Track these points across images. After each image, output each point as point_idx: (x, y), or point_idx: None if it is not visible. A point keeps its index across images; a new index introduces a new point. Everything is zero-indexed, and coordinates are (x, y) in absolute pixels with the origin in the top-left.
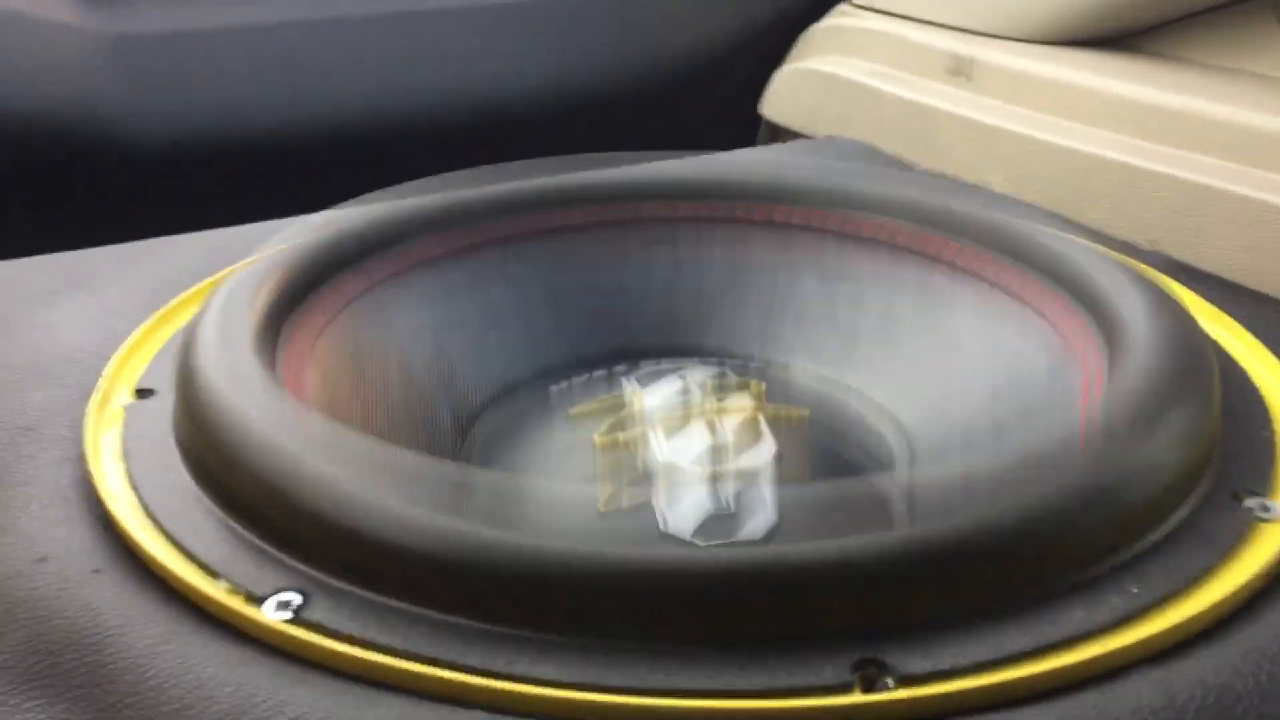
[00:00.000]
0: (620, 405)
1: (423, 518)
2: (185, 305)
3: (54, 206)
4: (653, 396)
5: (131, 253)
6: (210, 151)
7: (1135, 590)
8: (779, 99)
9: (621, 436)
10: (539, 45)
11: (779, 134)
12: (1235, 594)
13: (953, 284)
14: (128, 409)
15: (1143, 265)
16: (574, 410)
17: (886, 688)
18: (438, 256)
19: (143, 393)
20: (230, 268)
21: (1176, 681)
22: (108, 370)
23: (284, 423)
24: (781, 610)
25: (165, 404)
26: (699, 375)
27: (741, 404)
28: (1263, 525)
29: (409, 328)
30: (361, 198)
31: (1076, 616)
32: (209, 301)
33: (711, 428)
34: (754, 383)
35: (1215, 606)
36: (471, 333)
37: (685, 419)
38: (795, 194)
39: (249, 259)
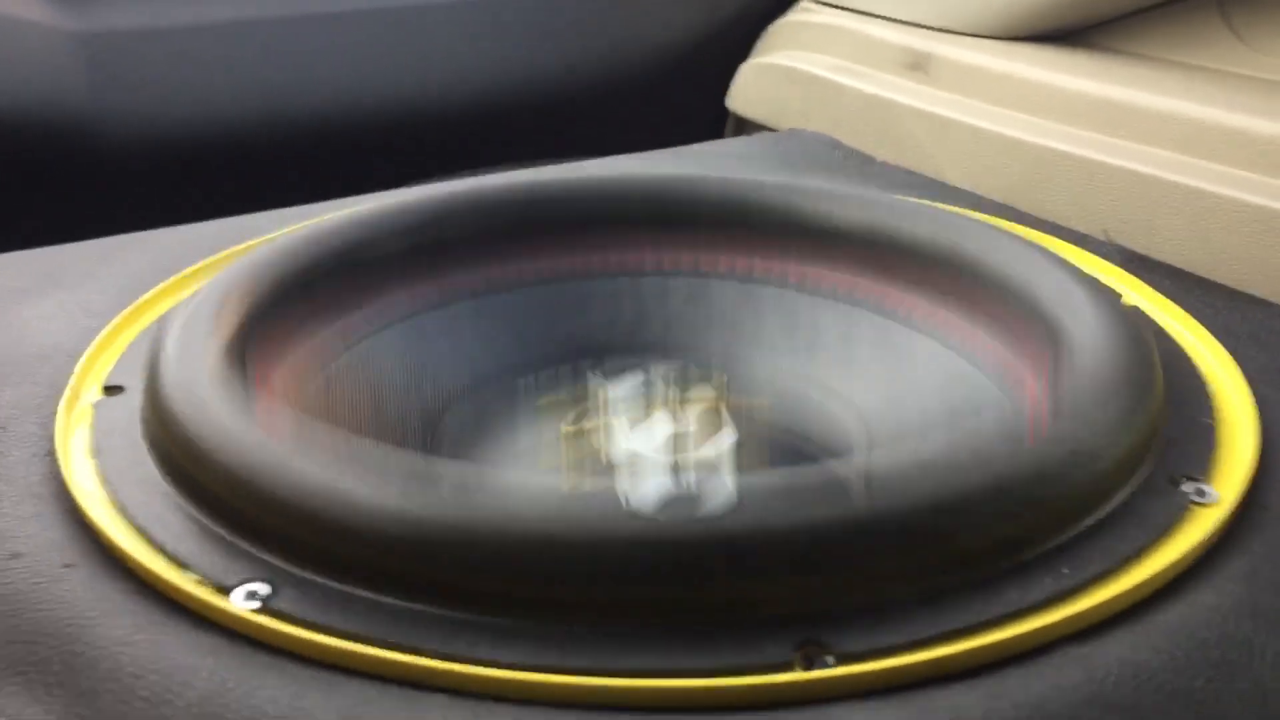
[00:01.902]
0: (585, 397)
1: (384, 509)
2: (155, 302)
3: (25, 204)
4: (617, 388)
5: (102, 249)
6: (182, 149)
7: (1067, 571)
8: (744, 93)
9: (587, 426)
10: (509, 42)
11: (745, 127)
12: (1161, 575)
13: (905, 295)
14: (97, 405)
15: (1095, 257)
16: (541, 401)
17: (826, 665)
18: (405, 262)
19: (112, 389)
20: (199, 263)
21: (1097, 659)
22: (78, 367)
23: (251, 420)
24: (727, 594)
25: (134, 400)
26: (662, 369)
27: (703, 395)
28: (1197, 509)
29: (377, 323)
30: (333, 201)
31: (1010, 597)
32: (180, 302)
33: (674, 418)
34: (716, 374)
35: (1140, 587)
36: (441, 335)
37: (648, 410)
38: (754, 225)
39: (220, 254)
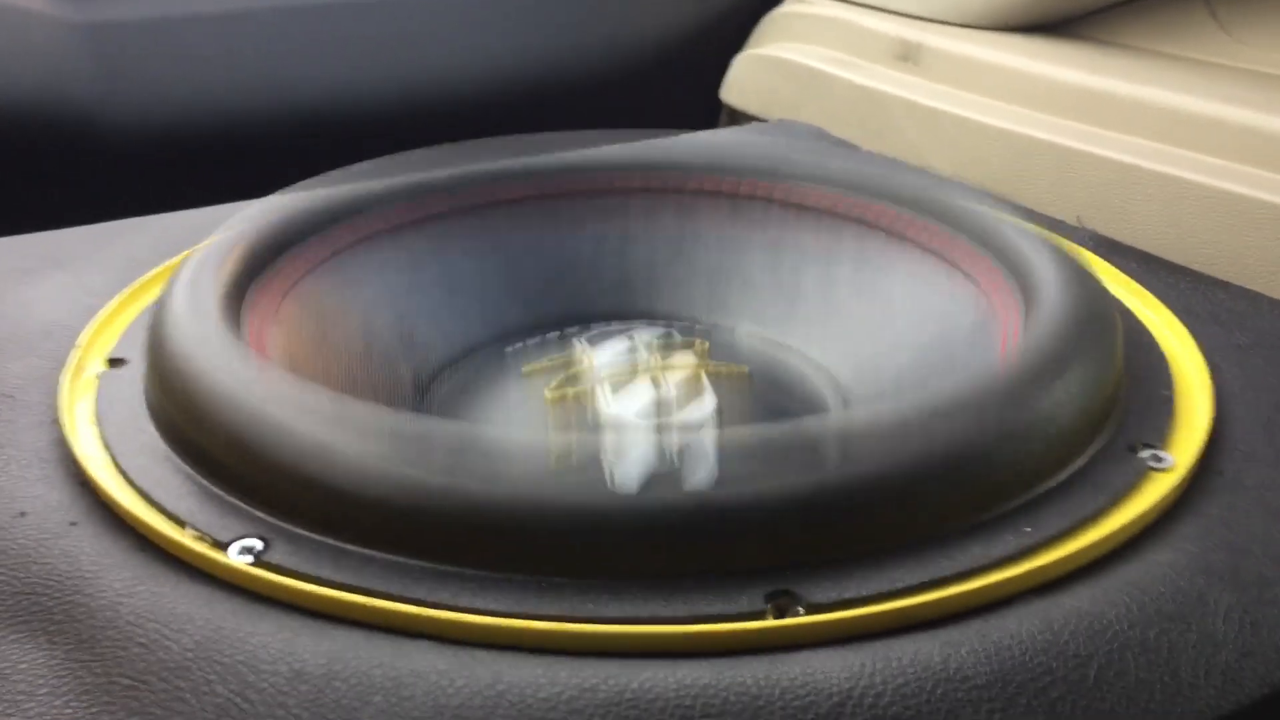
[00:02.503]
0: (571, 363)
1: (373, 466)
2: (155, 281)
3: (28, 190)
4: (601, 354)
5: (104, 233)
6: (182, 136)
7: (1029, 530)
8: (738, 84)
9: (571, 391)
10: (507, 32)
11: (738, 118)
12: (1118, 534)
13: (888, 248)
14: (101, 377)
15: (1068, 241)
16: (527, 368)
17: (796, 614)
18: (398, 226)
19: (115, 361)
20: (198, 246)
21: (1055, 611)
22: (81, 341)
23: (246, 382)
24: (702, 548)
25: (136, 372)
26: (645, 335)
27: (685, 361)
28: (1153, 474)
29: (370, 292)
30: (326, 174)
31: (974, 553)
32: (178, 272)
33: (656, 383)
34: (698, 341)
35: (1098, 544)
36: (430, 297)
37: (631, 375)
38: (740, 168)
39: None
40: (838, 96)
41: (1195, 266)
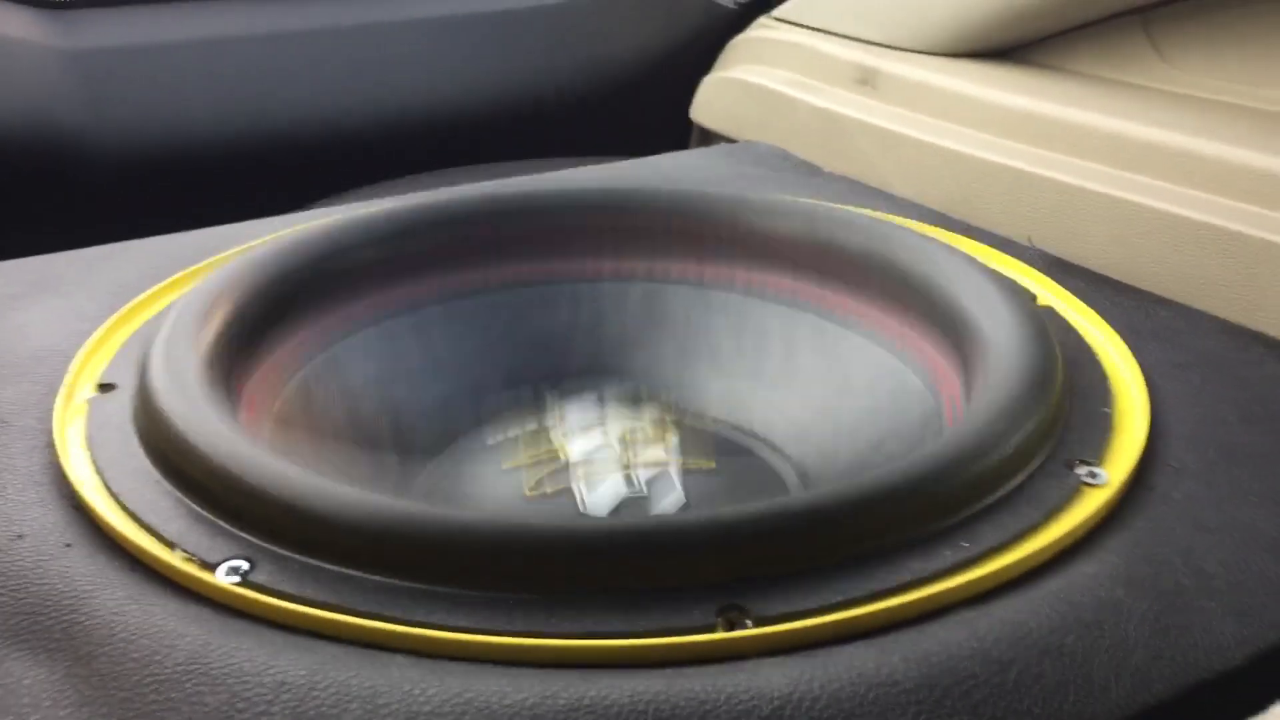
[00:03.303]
0: (547, 447)
1: (352, 494)
2: (144, 306)
3: (18, 214)
4: (571, 417)
5: (92, 257)
6: (169, 161)
7: (965, 545)
8: (707, 105)
9: (550, 490)
10: (483, 56)
11: (708, 138)
12: (1049, 548)
13: (844, 302)
14: (91, 402)
15: (1018, 261)
16: (506, 464)
17: (745, 627)
18: (377, 307)
19: (105, 387)
20: (185, 270)
21: (983, 621)
22: (72, 367)
23: (233, 415)
24: (657, 567)
25: (126, 397)
26: (611, 391)
27: (656, 456)
28: (1087, 489)
29: (358, 373)
30: (313, 208)
31: (912, 567)
32: (169, 307)
33: (629, 480)
34: (664, 404)
35: (1029, 558)
36: (410, 343)
37: (605, 468)
38: (707, 216)
39: (205, 262)
40: (800, 118)
41: (1140, 285)
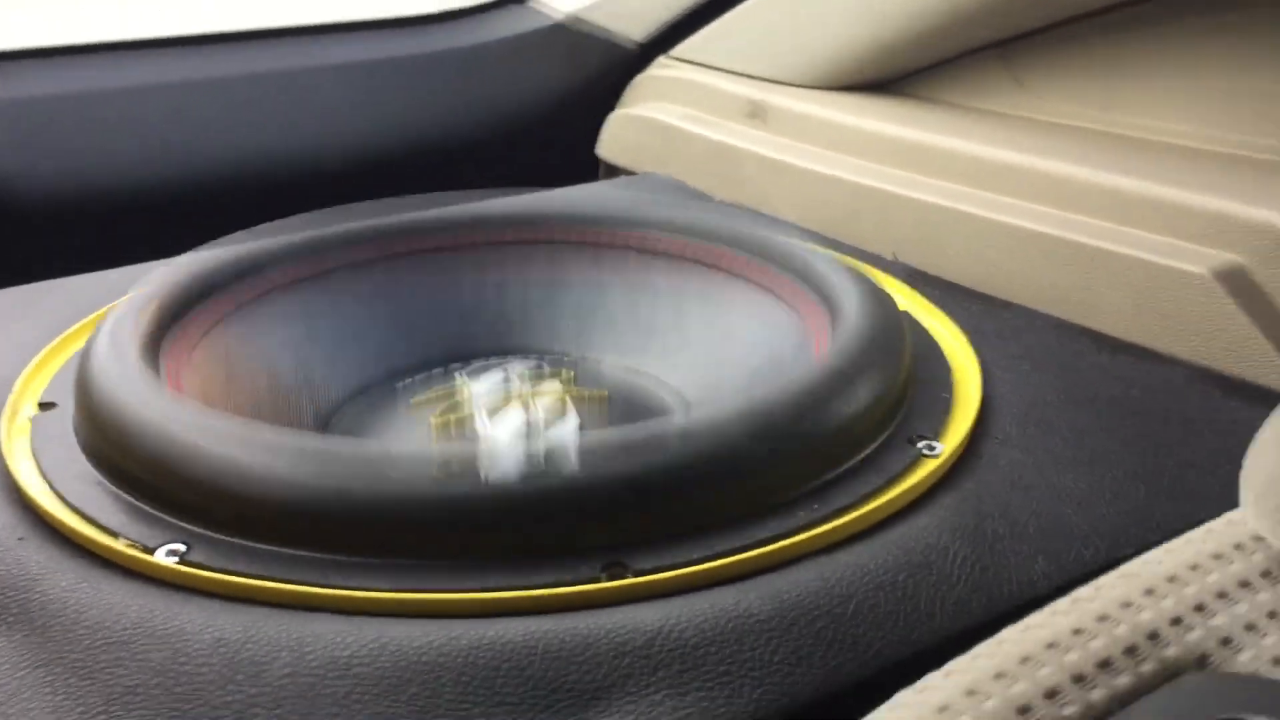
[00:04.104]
0: (452, 393)
1: (274, 477)
2: (78, 334)
3: None
4: (479, 384)
5: (28, 294)
6: (93, 204)
7: (816, 506)
8: (612, 141)
9: (453, 418)
10: (401, 100)
11: (615, 172)
12: (888, 505)
13: (726, 286)
14: (34, 419)
15: (883, 273)
16: (415, 399)
17: (624, 578)
18: (297, 280)
19: (46, 405)
20: (112, 304)
21: (831, 566)
22: (15, 389)
23: (163, 414)
24: (549, 530)
25: (65, 413)
26: (518, 367)
27: (552, 388)
28: (925, 460)
29: (273, 340)
30: (231, 236)
31: (771, 526)
32: (101, 323)
33: (526, 407)
34: (564, 371)
35: (871, 514)
36: (328, 342)
37: (505, 402)
38: (601, 219)
39: (129, 295)
40: (696, 151)
41: (990, 291)
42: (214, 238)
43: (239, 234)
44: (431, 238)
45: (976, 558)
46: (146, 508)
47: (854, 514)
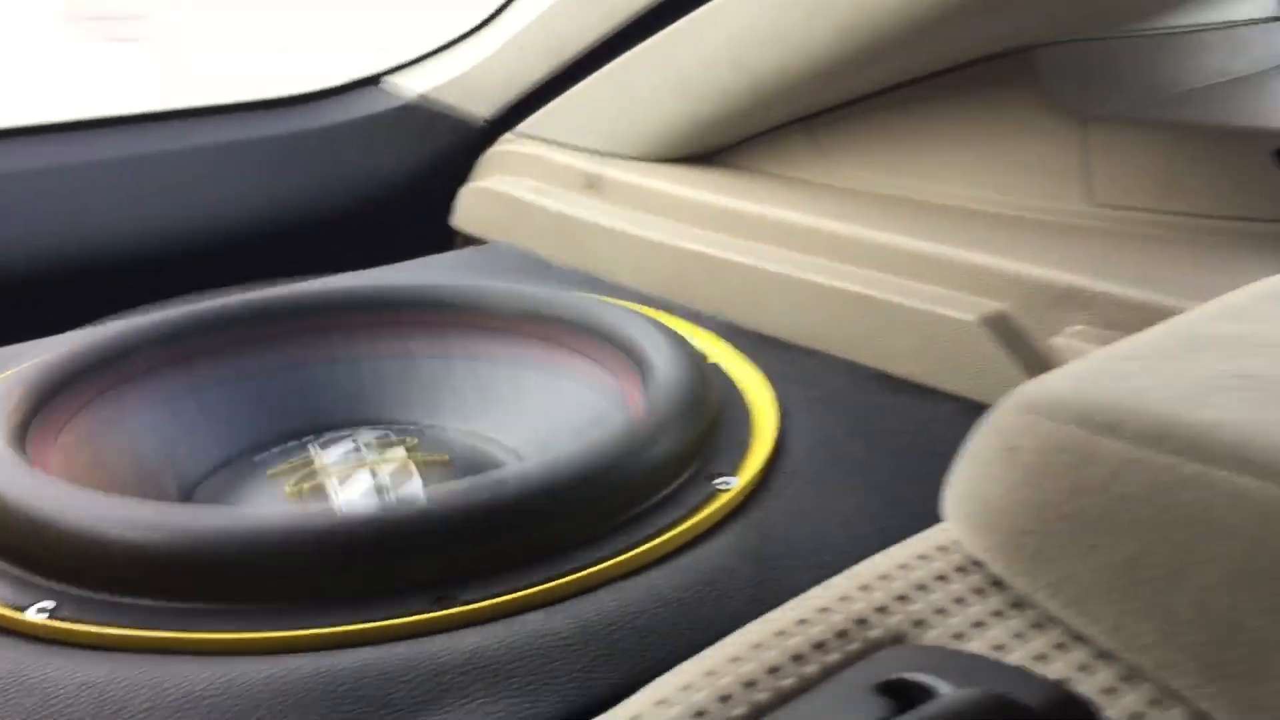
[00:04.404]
0: (307, 463)
1: (133, 544)
2: None
3: None
4: (330, 454)
5: None
6: None
7: (621, 539)
8: (465, 213)
9: (306, 485)
10: (262, 180)
11: (471, 242)
12: (685, 534)
13: (554, 356)
14: None
15: (700, 329)
16: (271, 471)
17: (452, 608)
18: (159, 365)
19: None
20: None
21: (630, 590)
22: None
23: (30, 489)
24: (384, 570)
25: None
26: (366, 436)
27: (397, 455)
28: (720, 494)
29: (138, 420)
30: (102, 320)
31: (580, 557)
32: None
33: (373, 473)
34: (409, 439)
35: (666, 543)
36: (190, 421)
37: (354, 468)
38: (443, 300)
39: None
40: (540, 221)
41: (798, 341)
42: (81, 322)
43: (109, 319)
44: (288, 321)
45: (756, 574)
46: (17, 572)
47: (651, 544)
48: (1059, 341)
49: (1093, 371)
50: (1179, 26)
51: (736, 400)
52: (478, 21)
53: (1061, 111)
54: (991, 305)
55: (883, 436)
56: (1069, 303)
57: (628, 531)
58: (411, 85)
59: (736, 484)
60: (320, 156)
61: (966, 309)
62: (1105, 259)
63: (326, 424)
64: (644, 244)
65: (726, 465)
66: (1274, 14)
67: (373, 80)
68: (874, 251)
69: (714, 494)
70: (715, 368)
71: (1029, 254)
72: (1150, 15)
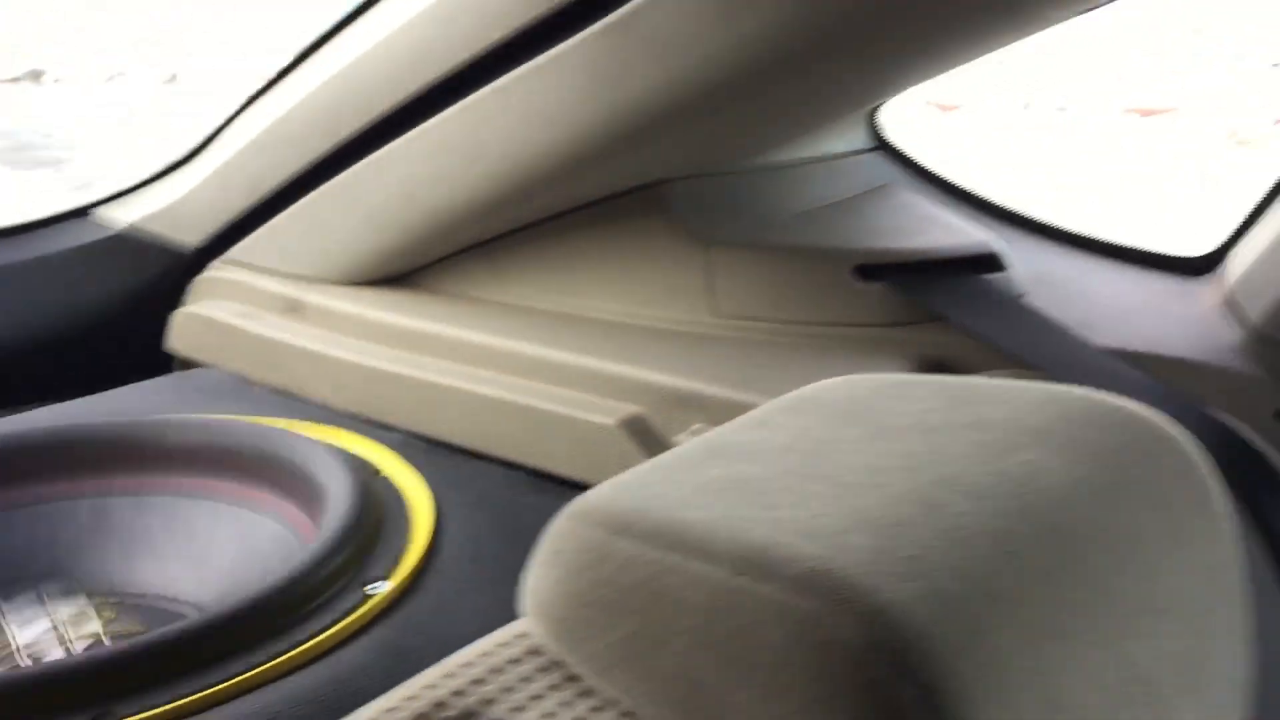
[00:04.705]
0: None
1: None
2: None
3: None
4: (25, 635)
5: None
6: None
7: (272, 650)
8: (179, 337)
9: None
10: None
11: (188, 364)
12: (329, 639)
13: (219, 508)
14: None
15: (378, 444)
16: None
17: None
18: None
19: None
20: None
21: (275, 693)
22: None
23: None
24: (50, 703)
25: None
26: (62, 611)
27: (91, 630)
28: (370, 599)
29: None
30: None
31: (231, 669)
32: None
33: (55, 625)
34: (106, 612)
35: (312, 648)
36: None
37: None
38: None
39: None
40: (247, 345)
41: (469, 446)
42: None
43: None
44: None
45: (390, 666)
46: None
47: (297, 650)
48: (682, 439)
49: (627, 481)
50: (788, 161)
51: (400, 509)
52: (184, 154)
53: (689, 236)
54: (629, 409)
55: (528, 533)
56: (690, 405)
57: (281, 641)
58: (121, 216)
59: (387, 587)
60: (32, 287)
61: (608, 413)
62: (722, 365)
63: (16, 577)
64: (339, 364)
65: (383, 570)
66: (866, 146)
67: (82, 212)
68: (532, 364)
69: (364, 599)
70: (385, 481)
71: (661, 363)
72: (761, 152)
